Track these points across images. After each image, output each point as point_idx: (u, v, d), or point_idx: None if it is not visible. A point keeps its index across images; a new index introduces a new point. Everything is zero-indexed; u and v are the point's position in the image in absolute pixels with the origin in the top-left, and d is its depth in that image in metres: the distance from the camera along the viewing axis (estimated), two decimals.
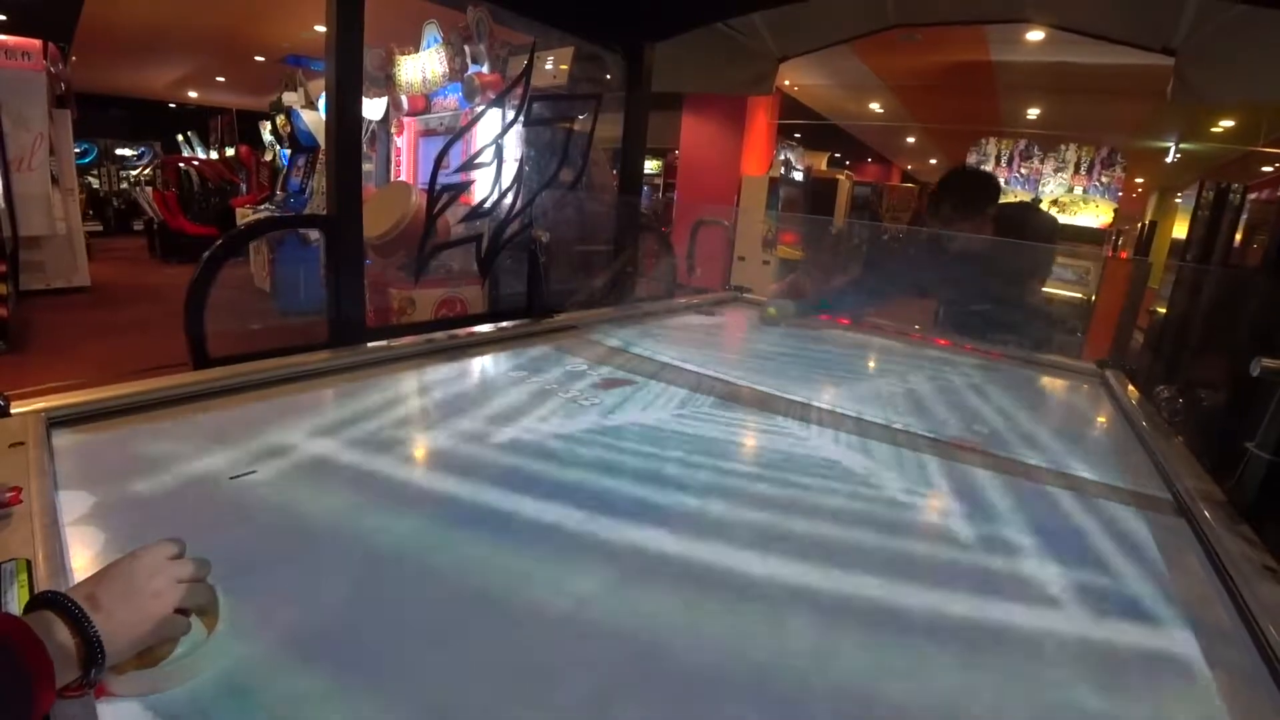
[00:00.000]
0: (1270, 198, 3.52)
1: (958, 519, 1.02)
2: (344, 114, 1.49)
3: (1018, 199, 6.58)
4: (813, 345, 2.10)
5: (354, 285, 1.50)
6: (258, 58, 9.41)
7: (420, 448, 1.11)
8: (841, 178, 7.44)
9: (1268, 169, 8.19)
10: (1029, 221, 2.47)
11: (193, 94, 13.24)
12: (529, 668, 0.62)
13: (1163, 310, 2.90)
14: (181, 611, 0.56)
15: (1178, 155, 9.94)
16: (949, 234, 2.24)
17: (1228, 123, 8.32)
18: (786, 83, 8.41)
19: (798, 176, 8.08)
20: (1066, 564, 0.90)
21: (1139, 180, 13.63)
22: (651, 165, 9.39)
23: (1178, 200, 8.36)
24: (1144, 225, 8.36)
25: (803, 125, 10.35)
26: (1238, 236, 3.32)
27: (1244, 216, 3.30)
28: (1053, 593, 0.83)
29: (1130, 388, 1.88)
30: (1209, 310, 2.44)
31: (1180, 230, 4.45)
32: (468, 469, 1.02)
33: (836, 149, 13.03)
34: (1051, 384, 2.00)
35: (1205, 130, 8.93)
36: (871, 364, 2.07)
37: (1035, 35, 5.92)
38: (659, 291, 2.38)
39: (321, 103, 5.30)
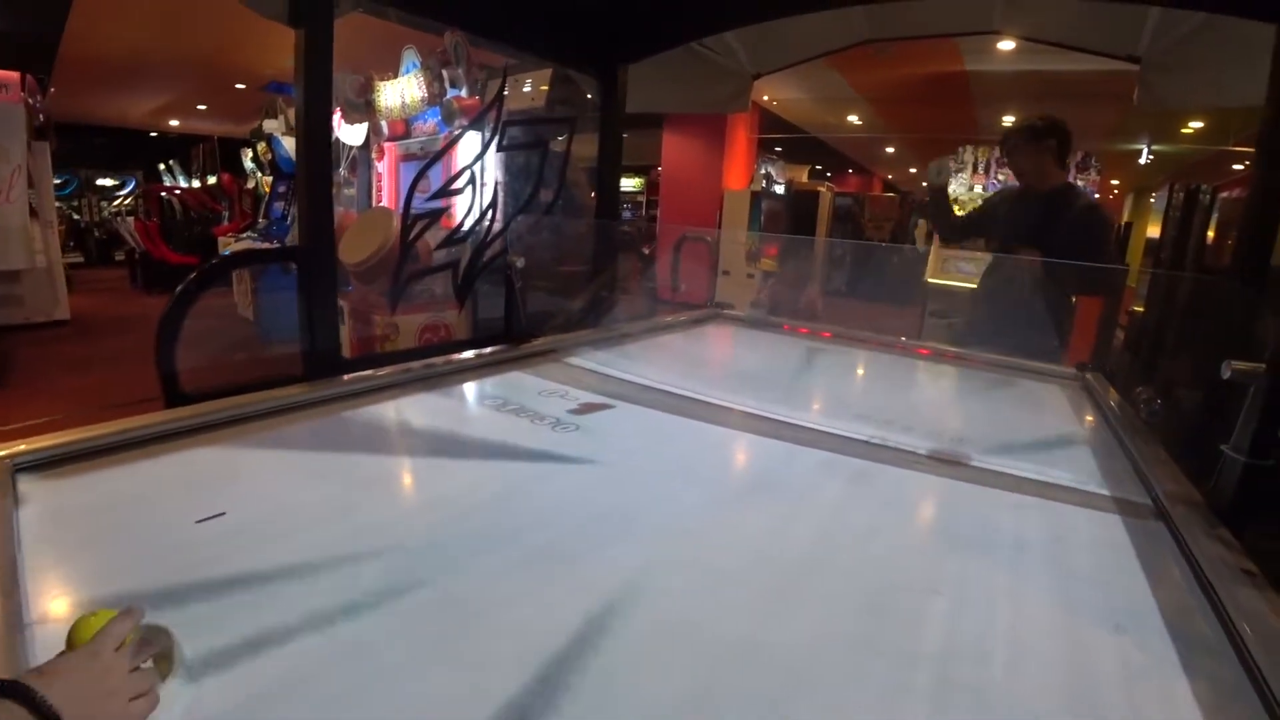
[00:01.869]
0: (1242, 195, 3.57)
1: (936, 532, 1.01)
2: (314, 143, 1.49)
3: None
4: (789, 358, 2.10)
5: (328, 316, 1.48)
6: (238, 85, 9.42)
7: (393, 483, 1.09)
8: (823, 189, 7.53)
9: (1238, 167, 8.33)
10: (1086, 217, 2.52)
11: (174, 122, 13.21)
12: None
13: (1140, 311, 2.93)
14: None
15: (1150, 157, 10.11)
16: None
17: (1197, 124, 8.47)
18: (765, 98, 8.51)
19: (779, 190, 8.15)
20: (1044, 574, 0.90)
21: (1115, 182, 13.83)
22: (634, 183, 9.45)
23: (1152, 201, 8.48)
24: (1120, 226, 8.48)
25: (783, 139, 10.45)
26: (1209, 235, 3.37)
27: (1215, 214, 3.35)
28: (1030, 604, 0.82)
29: (1110, 390, 1.89)
30: (1183, 311, 2.47)
31: (1155, 230, 4.52)
32: (441, 504, 1.01)
33: (817, 161, 13.16)
34: (1032, 388, 2.01)
35: (1176, 132, 9.08)
36: (849, 374, 2.08)
37: (1006, 45, 6.03)
38: (639, 311, 2.38)
39: None
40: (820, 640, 0.73)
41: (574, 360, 1.79)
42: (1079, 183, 7.75)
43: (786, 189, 8.11)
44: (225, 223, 8.79)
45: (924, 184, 2.56)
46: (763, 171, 8.24)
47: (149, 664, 0.57)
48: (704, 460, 1.27)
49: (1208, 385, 1.63)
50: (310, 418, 1.29)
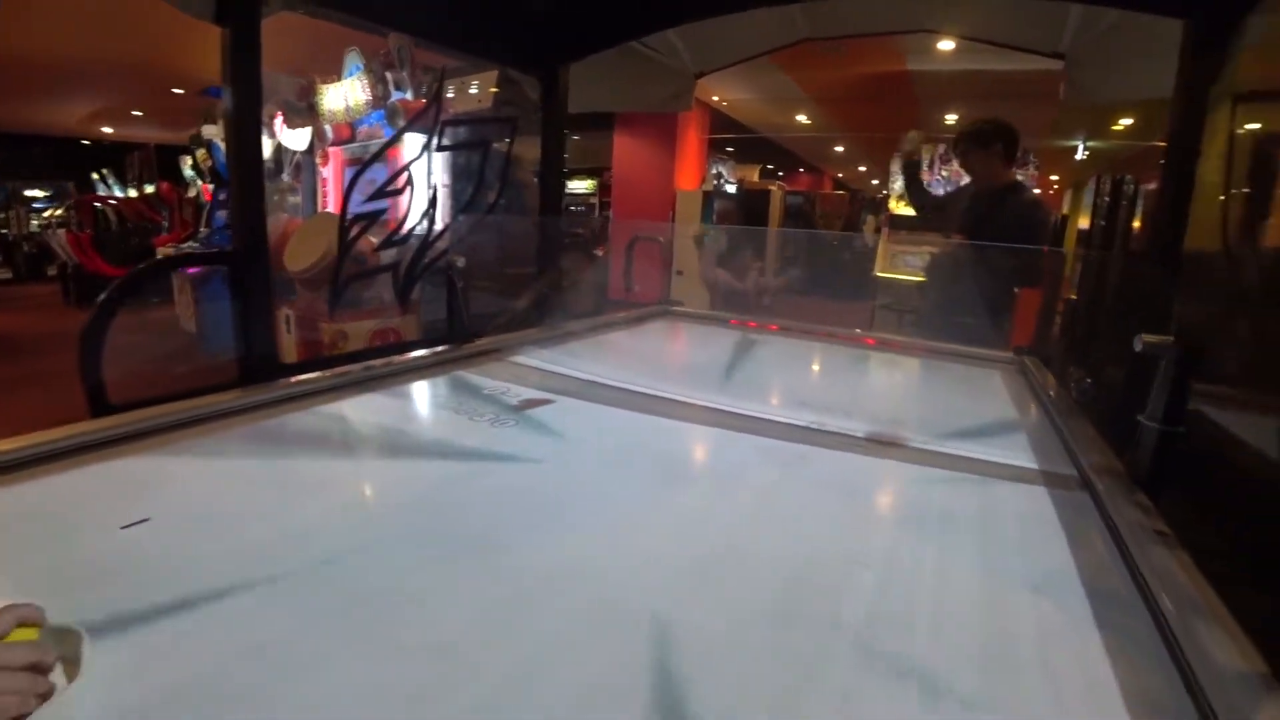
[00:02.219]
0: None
1: (868, 510, 1.04)
2: (244, 144, 1.45)
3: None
4: (734, 351, 2.12)
5: (263, 321, 1.45)
6: (175, 89, 9.11)
7: (327, 486, 1.06)
8: (774, 188, 7.64)
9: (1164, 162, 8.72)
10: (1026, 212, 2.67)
11: (108, 129, 12.71)
12: None
13: (1074, 297, 3.05)
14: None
15: (1086, 153, 10.52)
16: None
17: (1127, 120, 8.85)
18: (715, 98, 8.59)
19: (731, 189, 8.23)
20: (971, 545, 0.93)
21: (1054, 178, 14.36)
22: (586, 185, 9.44)
23: (1084, 194, 8.83)
24: (1057, 219, 8.81)
25: (733, 139, 10.57)
26: (1135, 224, 3.53)
27: (1139, 204, 3.51)
28: (954, 573, 0.85)
29: (1044, 372, 1.96)
30: (1109, 294, 2.58)
31: (1086, 222, 4.71)
32: (373, 504, 1.00)
33: (768, 161, 13.35)
34: (972, 373, 2.07)
35: (1108, 129, 9.47)
36: (794, 365, 2.11)
37: (946, 45, 6.21)
38: (588, 310, 2.39)
39: None
40: (742, 616, 0.74)
41: (518, 359, 1.78)
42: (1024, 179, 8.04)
43: (738, 188, 8.21)
44: (165, 233, 8.49)
45: (899, 153, 2.77)
46: (714, 171, 8.32)
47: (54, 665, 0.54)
48: (642, 451, 1.28)
49: (1130, 361, 1.71)
50: (245, 423, 1.26)
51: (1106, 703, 0.63)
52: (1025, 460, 1.28)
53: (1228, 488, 1.34)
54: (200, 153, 6.85)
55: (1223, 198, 1.64)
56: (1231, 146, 1.69)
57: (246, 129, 1.46)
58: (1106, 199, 3.66)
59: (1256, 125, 1.65)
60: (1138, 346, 1.11)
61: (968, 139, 2.71)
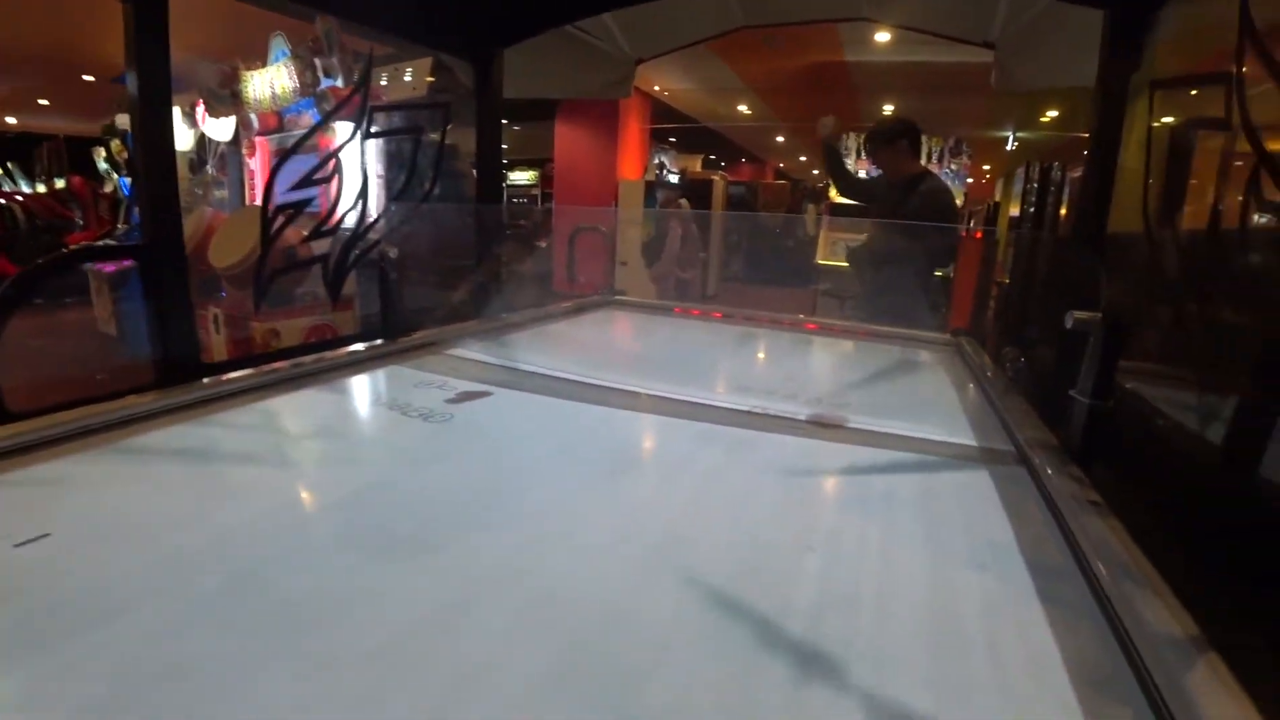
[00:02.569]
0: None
1: (811, 492, 1.04)
2: (153, 132, 1.35)
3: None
4: (677, 339, 2.12)
5: (181, 318, 1.36)
6: (86, 77, 8.55)
7: (248, 490, 0.99)
8: (716, 178, 7.67)
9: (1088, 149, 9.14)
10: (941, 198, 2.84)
11: (11, 120, 11.85)
12: None
13: (1006, 280, 3.15)
14: None
15: (1016, 144, 10.94)
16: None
17: (1053, 112, 9.23)
18: (656, 88, 8.58)
19: (674, 179, 8.24)
20: (914, 522, 0.94)
21: (986, 167, 14.89)
22: (528, 176, 9.30)
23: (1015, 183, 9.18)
24: (989, 206, 9.14)
25: (675, 129, 10.58)
26: (1063, 211, 3.68)
27: (1066, 190, 3.66)
28: (898, 551, 0.85)
29: (980, 352, 2.02)
30: (1040, 275, 2.68)
31: (1017, 209, 4.89)
32: (303, 509, 0.94)
33: (711, 151, 13.43)
34: (911, 355, 2.12)
35: (1036, 120, 9.86)
36: (737, 351, 2.11)
37: (883, 36, 6.34)
38: (531, 301, 2.34)
39: None
40: (684, 606, 0.72)
41: (456, 352, 1.72)
42: (949, 168, 8.30)
43: (681, 178, 8.22)
44: (79, 230, 7.97)
45: (819, 133, 3.00)
46: (657, 161, 8.31)
47: None
48: (582, 440, 1.25)
49: (1062, 339, 1.78)
50: (163, 427, 1.17)
51: (1048, 671, 0.64)
52: (964, 438, 1.30)
53: (1148, 453, 1.40)
54: (115, 144, 6.44)
55: (1143, 183, 1.70)
56: (1150, 134, 1.76)
57: (155, 114, 1.36)
58: (1035, 185, 3.80)
59: (1171, 115, 1.72)
60: (1068, 323, 1.15)
61: (875, 137, 2.94)
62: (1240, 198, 1.26)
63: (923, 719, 0.57)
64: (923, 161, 8.28)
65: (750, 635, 0.67)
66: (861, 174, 7.15)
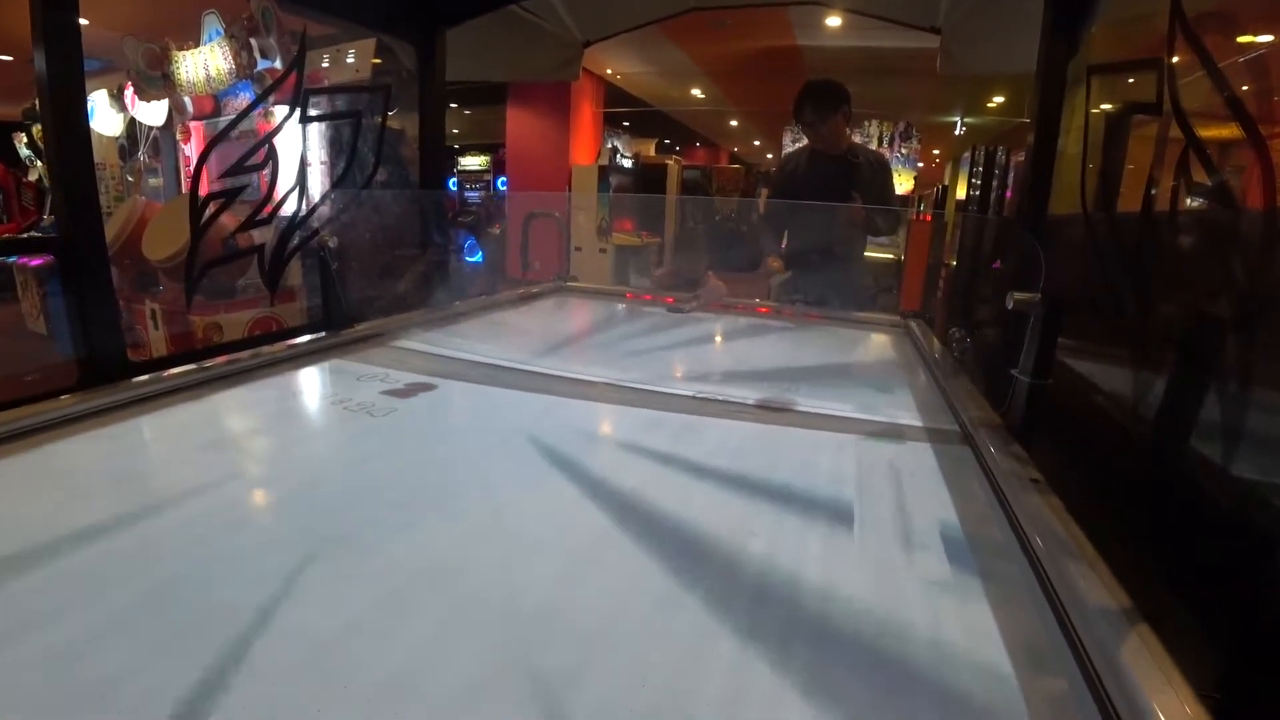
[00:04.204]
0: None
1: (758, 476, 1.04)
2: (64, 114, 1.27)
3: None
4: (628, 325, 2.10)
5: (103, 314, 1.28)
6: (3, 56, 8.03)
7: (174, 495, 0.92)
8: (670, 163, 7.64)
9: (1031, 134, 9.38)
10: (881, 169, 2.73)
11: None
12: None
13: (953, 262, 3.23)
14: None
15: (964, 129, 11.17)
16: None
17: (999, 98, 9.44)
18: (608, 71, 8.48)
19: (627, 164, 8.18)
20: (859, 502, 0.95)
21: (935, 151, 15.18)
22: (479, 161, 9.11)
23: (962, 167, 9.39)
24: (938, 189, 9.35)
25: (628, 113, 10.49)
26: (1008, 194, 3.77)
27: (1011, 174, 3.75)
28: (843, 533, 0.86)
29: (928, 334, 2.06)
30: (985, 257, 2.74)
31: (963, 193, 5.01)
32: (233, 512, 0.90)
33: (665, 135, 13.36)
34: (861, 337, 2.15)
35: (983, 106, 10.08)
36: (688, 337, 2.10)
37: (834, 21, 6.37)
38: (482, 289, 2.30)
39: (91, 106, 4.61)
40: (629, 595, 0.71)
41: (401, 343, 1.68)
42: (900, 152, 8.45)
43: (634, 163, 8.17)
44: (2, 223, 7.53)
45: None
46: (610, 146, 8.23)
47: None
48: (526, 430, 1.23)
49: (1005, 320, 1.82)
50: (83, 431, 1.11)
51: (986, 644, 0.65)
52: (911, 418, 1.33)
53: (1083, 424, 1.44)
54: (37, 129, 6.09)
55: (1081, 167, 1.75)
56: (1087, 119, 1.80)
57: (66, 95, 1.27)
58: (980, 169, 3.88)
59: (1107, 101, 1.76)
60: (1009, 304, 1.17)
61: (823, 100, 2.58)
62: (1172, 182, 1.30)
63: (861, 695, 0.57)
64: (873, 147, 8.43)
65: (683, 627, 0.66)
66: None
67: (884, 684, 0.59)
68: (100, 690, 0.55)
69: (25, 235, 6.19)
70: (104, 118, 5.22)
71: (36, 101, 6.00)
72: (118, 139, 5.43)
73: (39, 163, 6.57)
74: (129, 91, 4.74)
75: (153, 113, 4.74)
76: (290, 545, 0.79)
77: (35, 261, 4.90)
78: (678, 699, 0.56)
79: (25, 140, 6.60)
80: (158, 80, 4.38)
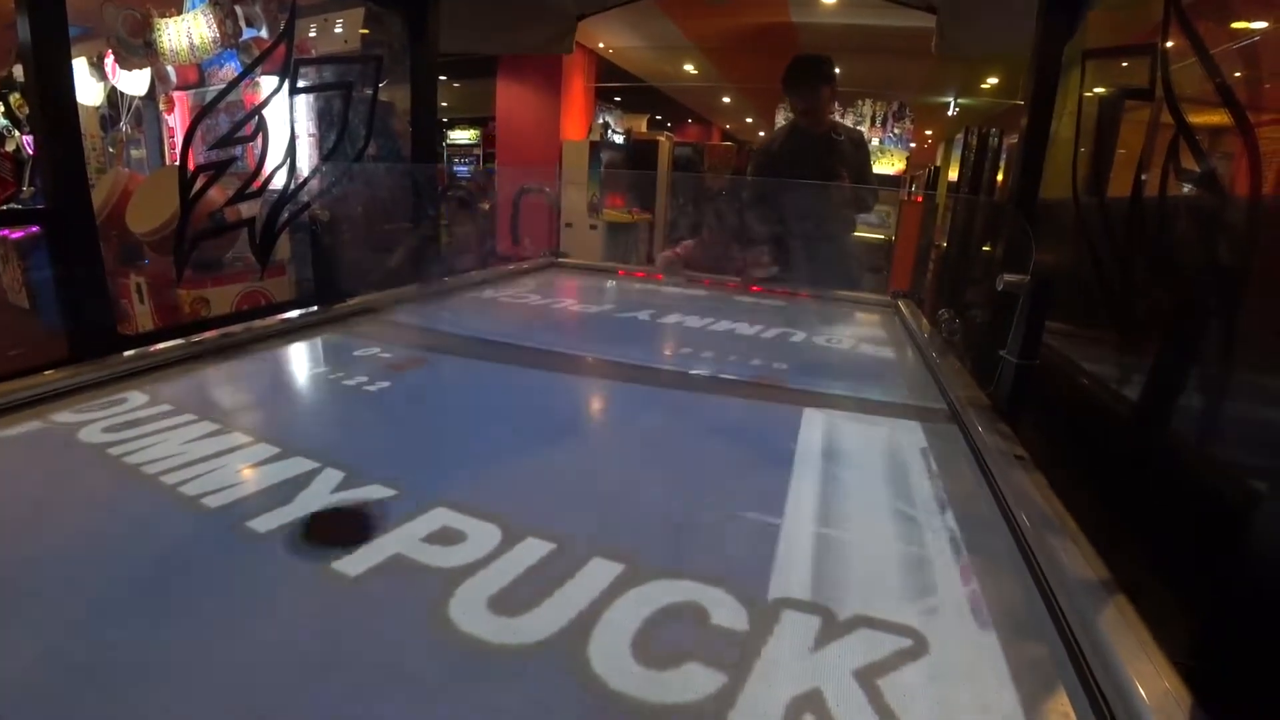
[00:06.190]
0: None
1: (749, 452, 1.05)
2: (50, 82, 1.24)
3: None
4: (620, 302, 2.10)
5: (91, 287, 1.27)
6: None
7: (160, 473, 0.91)
8: (662, 139, 7.55)
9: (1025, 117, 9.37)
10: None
11: None
12: None
13: (944, 244, 3.24)
14: None
15: (957, 110, 11.13)
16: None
17: (994, 79, 9.41)
18: (601, 45, 8.36)
19: (619, 140, 8.10)
20: (849, 479, 0.97)
21: (928, 132, 15.13)
22: (469, 135, 8.99)
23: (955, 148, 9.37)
24: (930, 170, 9.34)
25: (620, 88, 10.37)
26: (999, 177, 3.78)
27: (1003, 156, 3.75)
28: (834, 509, 0.88)
29: (918, 313, 2.08)
30: (976, 238, 2.76)
31: (955, 174, 5.01)
32: (224, 491, 0.89)
33: (656, 111, 13.21)
34: (851, 316, 2.16)
35: (977, 87, 10.04)
36: (680, 314, 2.10)
37: None
38: (474, 265, 2.29)
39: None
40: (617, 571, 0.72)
41: (393, 317, 1.67)
42: (893, 132, 8.42)
43: (626, 138, 8.09)
44: None
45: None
46: (601, 121, 8.13)
47: None
48: (520, 405, 1.24)
49: (994, 301, 1.84)
50: (70, 406, 1.10)
51: (972, 614, 0.67)
52: (900, 397, 1.35)
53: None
54: (15, 97, 5.93)
55: (1074, 150, 1.75)
56: (1080, 103, 1.81)
57: (51, 62, 1.25)
58: (973, 151, 3.89)
59: (1101, 85, 1.77)
60: (1000, 286, 1.19)
61: (813, 73, 2.53)
62: (1162, 167, 1.31)
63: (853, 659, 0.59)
64: (866, 127, 8.39)
65: (672, 605, 0.67)
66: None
67: (870, 650, 0.61)
68: (90, 670, 0.56)
69: (5, 207, 6.06)
70: (84, 87, 5.10)
71: (14, 70, 5.86)
72: (99, 109, 5.31)
73: (16, 133, 6.41)
74: (109, 60, 4.63)
75: (135, 82, 4.64)
76: (284, 525, 0.79)
77: (16, 234, 4.81)
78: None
79: (2, 110, 6.43)
80: (139, 48, 4.28)
